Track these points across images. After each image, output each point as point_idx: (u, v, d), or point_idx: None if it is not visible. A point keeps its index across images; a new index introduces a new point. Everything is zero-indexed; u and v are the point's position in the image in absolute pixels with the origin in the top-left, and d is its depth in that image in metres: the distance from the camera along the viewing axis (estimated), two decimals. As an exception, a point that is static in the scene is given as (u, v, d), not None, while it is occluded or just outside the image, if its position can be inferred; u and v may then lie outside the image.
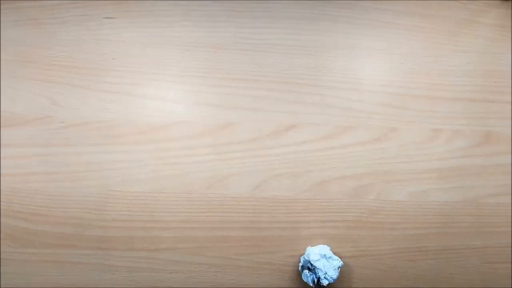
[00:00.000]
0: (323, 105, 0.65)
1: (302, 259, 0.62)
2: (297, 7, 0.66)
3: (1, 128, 0.65)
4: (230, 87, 0.65)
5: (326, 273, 0.59)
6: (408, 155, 0.64)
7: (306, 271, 0.60)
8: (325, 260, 0.60)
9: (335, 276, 0.59)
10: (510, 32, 0.66)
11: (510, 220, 0.63)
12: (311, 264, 0.60)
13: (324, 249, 0.61)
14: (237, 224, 0.63)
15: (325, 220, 0.63)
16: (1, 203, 0.64)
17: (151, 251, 0.63)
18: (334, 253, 0.62)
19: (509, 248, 0.63)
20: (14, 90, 0.65)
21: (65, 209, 0.64)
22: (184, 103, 0.65)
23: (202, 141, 0.64)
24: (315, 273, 0.59)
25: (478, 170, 0.64)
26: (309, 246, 0.62)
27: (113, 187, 0.64)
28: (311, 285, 0.60)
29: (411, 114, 0.64)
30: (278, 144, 0.64)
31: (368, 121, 0.64)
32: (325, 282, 0.59)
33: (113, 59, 0.66)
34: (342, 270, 0.63)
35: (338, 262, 0.60)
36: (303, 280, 0.62)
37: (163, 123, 0.65)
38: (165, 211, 0.63)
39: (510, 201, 0.63)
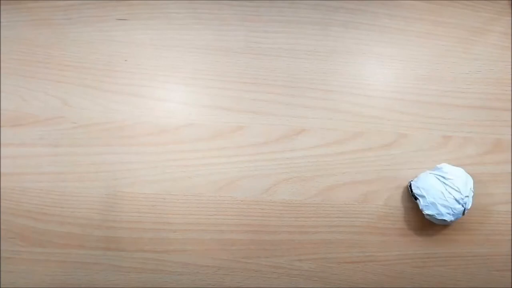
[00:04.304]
0: (333, 110, 0.65)
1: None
2: (309, 12, 0.66)
3: (13, 128, 0.65)
4: (241, 90, 0.65)
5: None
6: (418, 161, 0.64)
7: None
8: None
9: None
10: (521, 40, 0.66)
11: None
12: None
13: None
14: (246, 227, 0.63)
15: (333, 225, 0.63)
16: (11, 202, 0.64)
17: (159, 253, 0.63)
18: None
19: (517, 256, 0.63)
20: (26, 90, 0.66)
21: (74, 209, 0.64)
22: (194, 105, 0.65)
23: (212, 143, 0.65)
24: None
25: (487, 177, 0.64)
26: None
27: (122, 188, 0.64)
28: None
29: (421, 121, 0.64)
30: (288, 148, 0.64)
31: (378, 127, 0.65)
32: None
33: (125, 60, 0.66)
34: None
35: None
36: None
37: (173, 125, 0.65)
38: (174, 213, 0.64)
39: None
